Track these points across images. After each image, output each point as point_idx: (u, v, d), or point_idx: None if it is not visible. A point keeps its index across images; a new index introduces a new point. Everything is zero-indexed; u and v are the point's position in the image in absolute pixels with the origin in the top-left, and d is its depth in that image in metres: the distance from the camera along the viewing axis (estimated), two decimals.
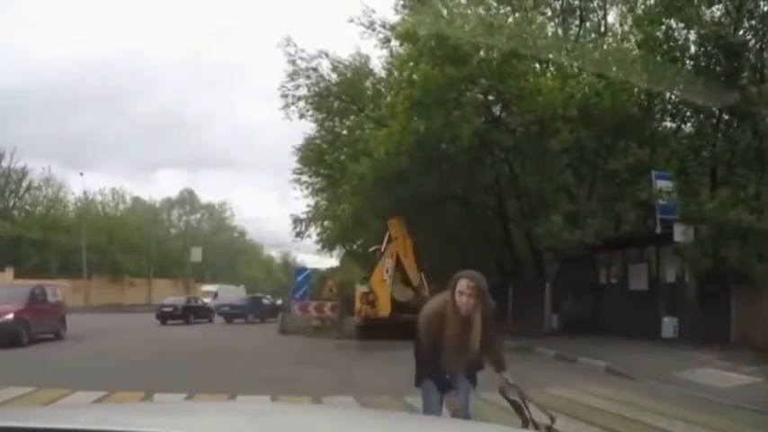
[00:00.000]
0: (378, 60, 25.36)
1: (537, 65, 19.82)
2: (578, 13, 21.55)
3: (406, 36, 18.33)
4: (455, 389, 4.59)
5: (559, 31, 20.93)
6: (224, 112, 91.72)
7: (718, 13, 17.08)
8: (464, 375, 4.65)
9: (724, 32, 15.74)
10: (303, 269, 27.18)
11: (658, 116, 18.73)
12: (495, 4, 20.76)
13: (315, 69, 24.23)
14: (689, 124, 18.66)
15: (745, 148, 16.00)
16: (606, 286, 19.13)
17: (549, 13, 21.19)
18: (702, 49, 16.62)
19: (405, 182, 18.01)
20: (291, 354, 15.60)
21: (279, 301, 36.41)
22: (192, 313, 32.12)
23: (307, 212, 28.81)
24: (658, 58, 16.66)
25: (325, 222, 28.85)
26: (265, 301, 37.21)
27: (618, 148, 17.56)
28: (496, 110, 18.79)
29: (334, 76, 24.75)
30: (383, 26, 22.84)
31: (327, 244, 30.29)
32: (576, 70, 17.95)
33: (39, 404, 7.22)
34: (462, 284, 4.26)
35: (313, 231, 29.26)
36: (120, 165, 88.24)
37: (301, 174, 27.62)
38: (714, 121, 17.33)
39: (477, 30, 17.02)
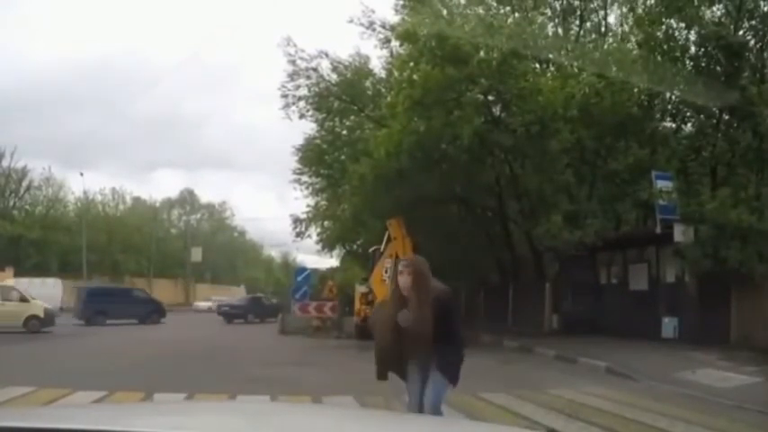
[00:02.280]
0: (378, 60, 25.39)
1: (537, 65, 19.82)
2: (578, 13, 21.56)
3: (406, 36, 18.32)
4: (416, 381, 4.75)
5: (559, 31, 20.93)
6: (224, 112, 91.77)
7: (719, 13, 17.08)
8: (426, 366, 4.69)
9: (724, 32, 15.73)
10: (303, 269, 27.17)
11: (658, 116, 18.71)
12: (495, 5, 20.77)
13: (315, 69, 24.24)
14: (689, 124, 18.64)
15: (746, 149, 16.00)
16: (606, 286, 19.12)
17: (549, 14, 21.21)
18: (703, 49, 16.62)
19: (405, 182, 18.00)
20: (291, 354, 15.59)
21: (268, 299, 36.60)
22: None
23: (307, 212, 28.80)
24: (659, 58, 16.66)
25: (326, 222, 28.83)
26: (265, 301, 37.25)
27: (618, 148, 17.56)
28: (496, 110, 18.77)
29: (334, 77, 24.75)
30: (383, 26, 22.85)
31: (327, 244, 30.27)
32: (576, 70, 17.95)
33: (39, 404, 7.21)
34: (400, 266, 4.71)
35: (313, 231, 29.25)
36: (120, 165, 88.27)
37: (301, 174, 27.63)
38: (714, 121, 17.32)
39: (477, 30, 17.01)
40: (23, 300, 21.96)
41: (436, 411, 4.54)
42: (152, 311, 30.62)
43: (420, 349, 4.56)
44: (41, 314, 21.79)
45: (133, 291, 34.07)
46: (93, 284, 35.49)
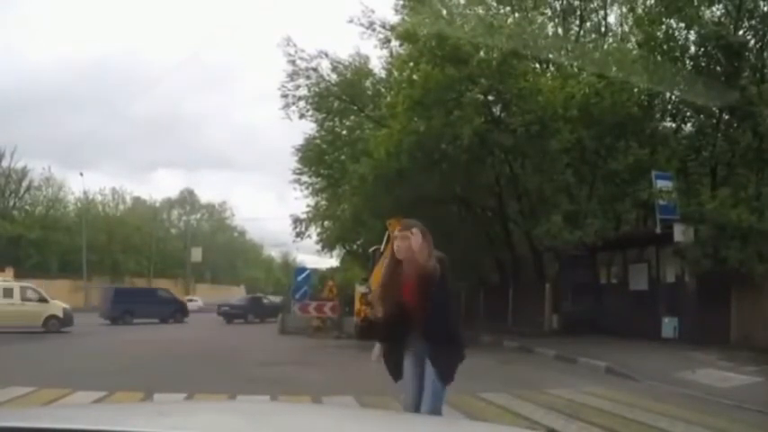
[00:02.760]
0: (378, 60, 25.40)
1: (537, 65, 19.83)
2: (578, 13, 21.55)
3: (406, 36, 18.33)
4: (411, 376, 4.48)
5: (559, 31, 20.93)
6: (224, 112, 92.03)
7: (719, 13, 17.07)
8: (422, 356, 4.41)
9: (724, 32, 15.72)
10: (303, 269, 27.15)
11: (658, 116, 18.71)
12: (495, 4, 20.77)
13: (315, 69, 24.26)
14: (689, 124, 18.64)
15: (746, 149, 15.99)
16: (606, 286, 19.12)
17: (549, 13, 21.19)
18: (702, 49, 16.61)
19: (405, 182, 17.99)
20: (291, 354, 15.59)
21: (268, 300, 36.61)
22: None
23: (307, 212, 28.80)
24: (658, 58, 16.66)
25: (325, 222, 28.82)
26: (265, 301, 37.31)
27: (618, 148, 17.55)
28: (496, 110, 18.77)
29: (333, 77, 24.77)
30: (383, 26, 22.82)
31: (327, 244, 30.24)
32: (576, 70, 17.96)
33: (39, 404, 7.21)
34: (397, 231, 4.44)
35: (313, 231, 29.23)
36: (120, 165, 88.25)
37: (301, 174, 27.63)
38: (714, 121, 17.31)
39: (477, 30, 17.02)
40: (42, 300, 22.37)
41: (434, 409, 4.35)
42: (176, 311, 32.30)
43: (423, 316, 4.30)
44: (61, 314, 22.20)
45: (158, 291, 35.83)
46: (119, 285, 38.28)
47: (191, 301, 46.36)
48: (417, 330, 4.41)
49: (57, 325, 21.77)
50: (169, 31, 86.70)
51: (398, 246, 4.36)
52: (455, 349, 4.42)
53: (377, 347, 4.63)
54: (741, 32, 16.37)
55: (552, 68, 19.58)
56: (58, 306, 22.55)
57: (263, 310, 34.15)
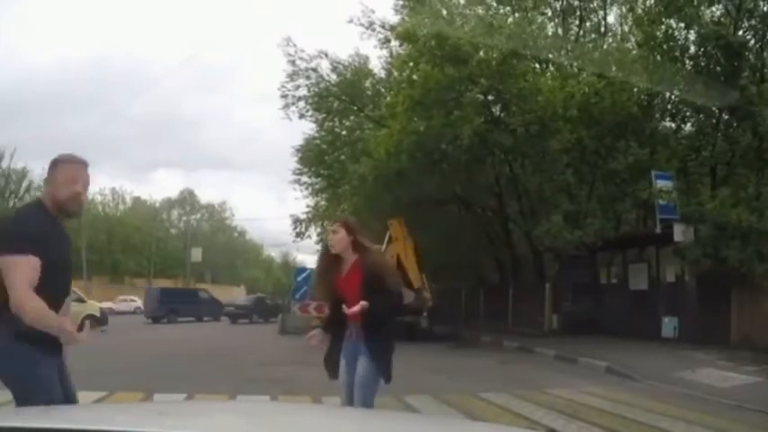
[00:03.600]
0: (377, 60, 25.47)
1: (537, 65, 19.83)
2: (578, 13, 21.53)
3: (406, 36, 18.34)
4: (344, 372, 4.46)
5: (559, 31, 20.92)
6: (224, 112, 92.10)
7: (718, 12, 17.06)
8: (356, 349, 4.35)
9: (724, 32, 15.70)
10: (303, 269, 27.10)
11: (658, 116, 18.69)
12: (494, 4, 20.77)
13: (314, 70, 24.30)
14: (689, 124, 18.64)
15: (746, 148, 15.98)
16: (606, 286, 19.12)
17: (549, 13, 21.19)
18: (702, 48, 16.59)
19: (405, 182, 18.00)
20: (291, 354, 15.57)
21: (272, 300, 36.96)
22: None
23: (307, 213, 28.83)
24: (658, 57, 16.64)
25: (325, 222, 28.82)
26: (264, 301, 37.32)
27: (618, 148, 17.54)
28: (496, 110, 18.78)
29: (333, 77, 24.81)
30: (383, 26, 22.83)
31: None
32: (576, 70, 17.96)
33: None
34: (329, 226, 4.46)
35: (313, 231, 29.26)
36: (120, 165, 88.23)
37: (301, 174, 27.63)
38: (714, 120, 17.31)
39: (476, 30, 17.03)
40: (80, 300, 22.62)
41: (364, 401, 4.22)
42: (214, 310, 35.01)
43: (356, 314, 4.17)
44: (98, 314, 22.52)
45: (198, 292, 39.12)
46: (164, 286, 42.36)
47: (124, 301, 44.40)
48: (352, 328, 4.34)
49: (93, 324, 22.06)
50: (169, 31, 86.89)
51: (330, 239, 4.32)
52: (386, 343, 4.31)
53: (314, 332, 4.68)
54: (741, 32, 16.34)
55: (552, 68, 19.58)
56: (94, 306, 23.00)
57: (267, 310, 34.27)
